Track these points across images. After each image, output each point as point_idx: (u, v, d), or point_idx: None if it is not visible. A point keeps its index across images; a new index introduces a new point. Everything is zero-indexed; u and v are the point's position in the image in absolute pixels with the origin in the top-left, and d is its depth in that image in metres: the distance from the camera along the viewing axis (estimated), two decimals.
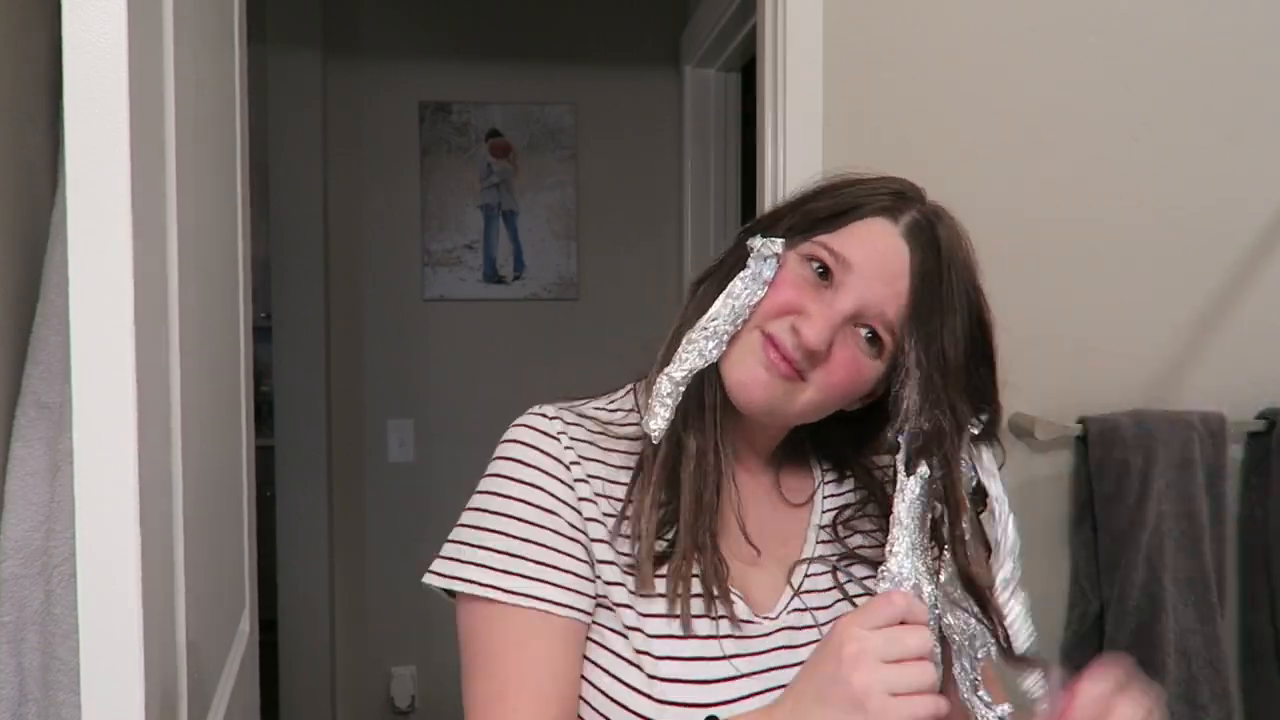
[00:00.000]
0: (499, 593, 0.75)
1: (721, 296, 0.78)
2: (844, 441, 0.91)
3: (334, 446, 2.61)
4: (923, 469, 0.73)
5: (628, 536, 0.78)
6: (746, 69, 2.39)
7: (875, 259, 0.77)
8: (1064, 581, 1.49)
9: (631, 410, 0.85)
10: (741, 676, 0.77)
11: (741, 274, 0.78)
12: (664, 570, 0.77)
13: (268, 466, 2.33)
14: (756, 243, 0.79)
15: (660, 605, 0.77)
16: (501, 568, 0.76)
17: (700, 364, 0.77)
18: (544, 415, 0.81)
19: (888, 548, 0.72)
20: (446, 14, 2.65)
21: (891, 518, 0.73)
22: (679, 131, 2.60)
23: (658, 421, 0.76)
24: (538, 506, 0.77)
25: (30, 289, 0.89)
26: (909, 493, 0.73)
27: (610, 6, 2.70)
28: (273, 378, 2.58)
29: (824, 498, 0.90)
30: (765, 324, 0.77)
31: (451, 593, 0.79)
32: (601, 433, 0.82)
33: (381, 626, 2.70)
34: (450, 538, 0.80)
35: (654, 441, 0.77)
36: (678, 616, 0.76)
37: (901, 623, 0.65)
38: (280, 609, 2.56)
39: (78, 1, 0.72)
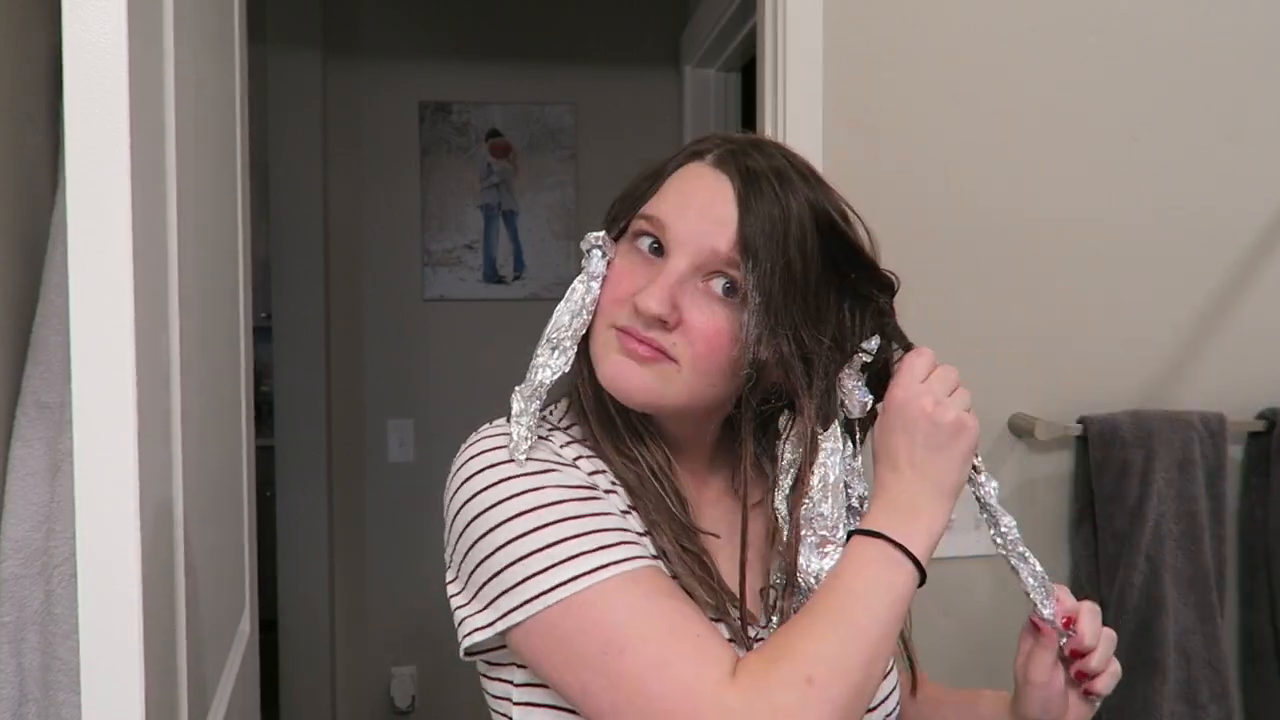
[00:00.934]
0: (608, 569, 0.66)
1: (561, 303, 0.75)
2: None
3: (334, 446, 2.61)
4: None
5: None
6: (746, 69, 2.39)
7: (689, 200, 0.74)
8: (1064, 581, 1.49)
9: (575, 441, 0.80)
10: None
11: (578, 278, 0.76)
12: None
13: (268, 466, 2.33)
14: (583, 244, 0.77)
15: None
16: (595, 546, 0.67)
17: (549, 376, 0.74)
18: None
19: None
20: (446, 14, 2.65)
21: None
22: (679, 131, 2.60)
23: (520, 445, 0.71)
24: (573, 485, 0.71)
25: (30, 289, 0.89)
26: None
27: (610, 6, 2.70)
28: (273, 378, 2.58)
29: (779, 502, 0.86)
30: (613, 318, 0.74)
31: (484, 649, 0.73)
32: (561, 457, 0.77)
33: (381, 626, 2.70)
34: (492, 587, 0.68)
35: (519, 459, 0.71)
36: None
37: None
38: (280, 609, 2.56)
39: (78, 1, 0.72)
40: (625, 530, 0.70)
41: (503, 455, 0.71)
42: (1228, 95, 1.49)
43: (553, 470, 0.71)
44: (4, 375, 0.86)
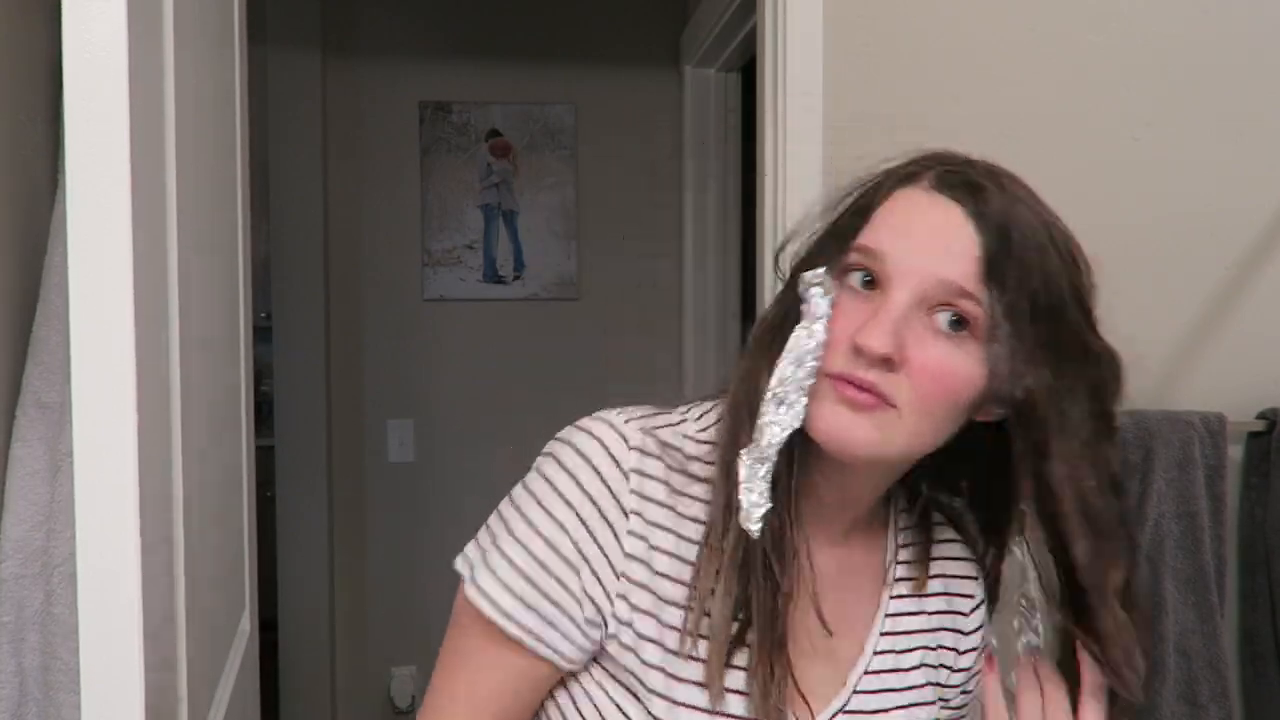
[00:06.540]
0: (498, 613, 0.70)
1: (784, 355, 0.68)
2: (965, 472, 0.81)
3: (334, 446, 2.61)
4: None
5: (697, 634, 0.70)
6: (746, 69, 2.39)
7: (910, 227, 0.68)
8: None
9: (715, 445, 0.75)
10: None
11: (800, 324, 0.69)
12: (736, 661, 0.70)
13: (268, 466, 2.33)
14: (803, 281, 0.70)
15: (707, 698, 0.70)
16: (510, 586, 0.70)
17: (778, 435, 0.67)
18: (624, 440, 0.72)
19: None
20: (446, 14, 2.65)
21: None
22: (679, 131, 2.60)
23: (753, 515, 0.67)
24: (573, 540, 0.70)
25: (30, 289, 0.89)
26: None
27: (610, 6, 2.70)
28: (273, 378, 2.58)
29: (899, 547, 0.82)
30: (828, 367, 0.68)
31: None
32: (680, 471, 0.73)
33: (381, 626, 2.70)
34: (490, 522, 0.74)
35: (754, 535, 0.68)
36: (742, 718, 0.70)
37: None
38: (280, 609, 2.56)
39: (78, 2, 0.72)
40: (566, 616, 0.70)
41: (580, 466, 0.71)
42: (1228, 95, 1.49)
43: (587, 502, 0.71)
44: (4, 375, 0.86)
